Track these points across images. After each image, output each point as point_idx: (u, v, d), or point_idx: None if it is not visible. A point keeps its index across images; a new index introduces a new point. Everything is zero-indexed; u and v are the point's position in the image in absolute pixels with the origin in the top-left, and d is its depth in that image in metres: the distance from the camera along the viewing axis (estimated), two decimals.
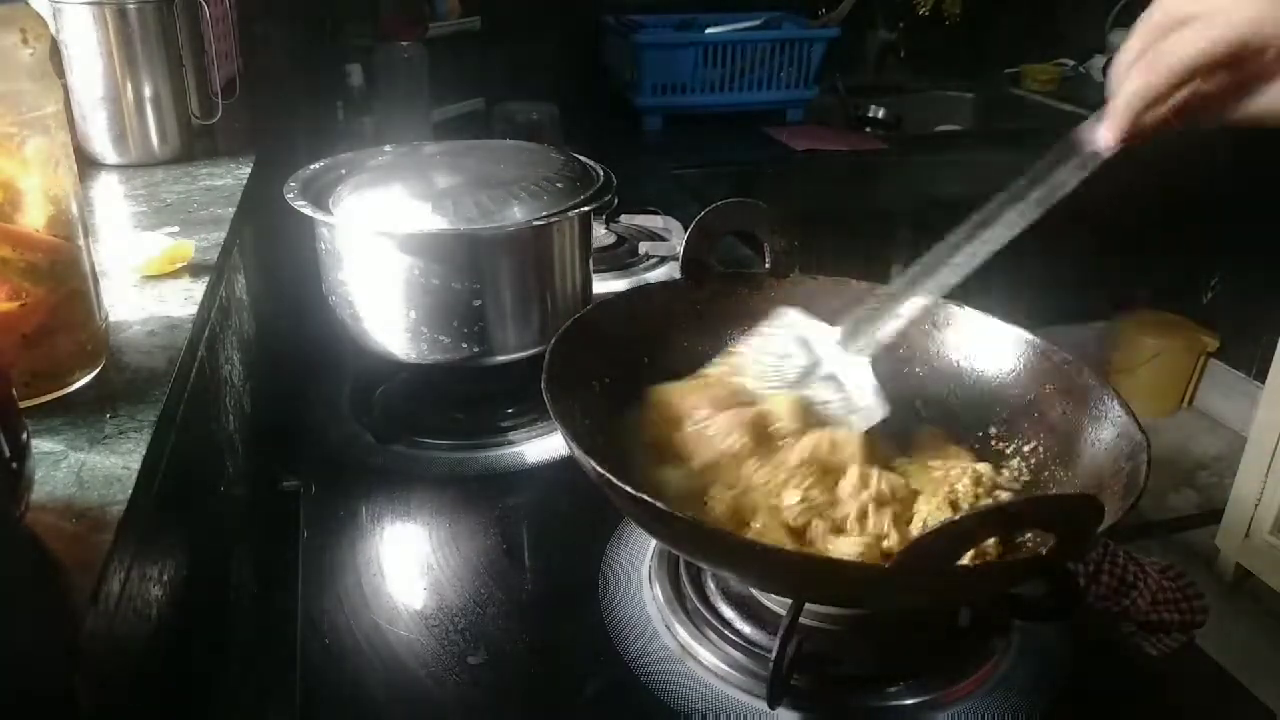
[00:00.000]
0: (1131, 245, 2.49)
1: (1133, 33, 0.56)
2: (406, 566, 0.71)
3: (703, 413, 0.67)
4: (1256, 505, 1.93)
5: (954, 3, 2.38)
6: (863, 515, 0.61)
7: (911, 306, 0.68)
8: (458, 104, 1.91)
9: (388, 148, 0.95)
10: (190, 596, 0.64)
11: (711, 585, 0.66)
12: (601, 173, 0.92)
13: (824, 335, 0.71)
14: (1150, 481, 0.54)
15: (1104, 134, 0.58)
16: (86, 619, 0.42)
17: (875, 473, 0.63)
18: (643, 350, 0.75)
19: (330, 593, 0.68)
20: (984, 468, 0.67)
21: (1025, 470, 0.68)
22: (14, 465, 0.45)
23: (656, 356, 0.75)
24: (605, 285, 1.11)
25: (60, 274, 0.57)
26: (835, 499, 0.62)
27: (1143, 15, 0.56)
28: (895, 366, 0.76)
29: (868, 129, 2.14)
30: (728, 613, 0.64)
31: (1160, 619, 0.70)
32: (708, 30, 2.04)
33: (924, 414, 0.74)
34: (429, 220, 0.79)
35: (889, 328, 0.69)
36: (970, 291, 0.76)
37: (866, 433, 0.67)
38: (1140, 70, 0.55)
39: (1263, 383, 1.96)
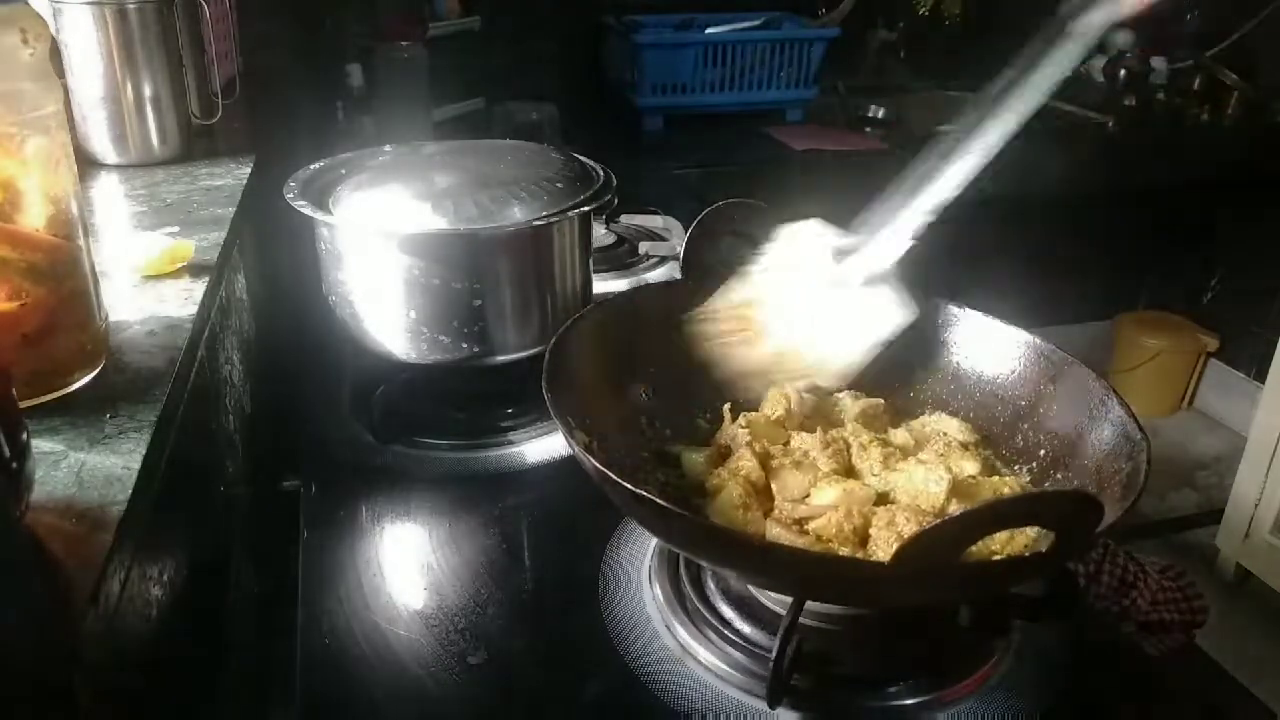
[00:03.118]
0: (1131, 245, 2.49)
1: None
2: (406, 566, 0.71)
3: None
4: (1256, 505, 1.93)
5: (954, 3, 2.38)
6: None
7: (913, 224, 0.67)
8: (458, 104, 1.91)
9: (388, 148, 0.95)
10: (190, 596, 0.64)
11: (711, 585, 0.66)
12: (601, 173, 0.92)
13: (842, 246, 0.71)
14: (1150, 481, 0.54)
15: None
16: (86, 619, 0.42)
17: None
18: (643, 350, 0.75)
19: (330, 593, 0.68)
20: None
21: (1026, 470, 0.68)
22: (14, 465, 0.45)
23: (656, 357, 0.76)
24: (605, 285, 1.11)
25: (60, 274, 0.57)
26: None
27: None
28: (895, 366, 0.77)
29: (867, 129, 2.14)
30: (728, 613, 0.64)
31: (1160, 619, 0.71)
32: (708, 30, 2.04)
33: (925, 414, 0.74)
34: (429, 220, 0.79)
35: (896, 245, 0.68)
36: (970, 292, 0.76)
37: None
38: None
39: (1263, 383, 1.96)
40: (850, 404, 0.73)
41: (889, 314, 0.70)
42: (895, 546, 0.59)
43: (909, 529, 0.60)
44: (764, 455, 0.68)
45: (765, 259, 0.75)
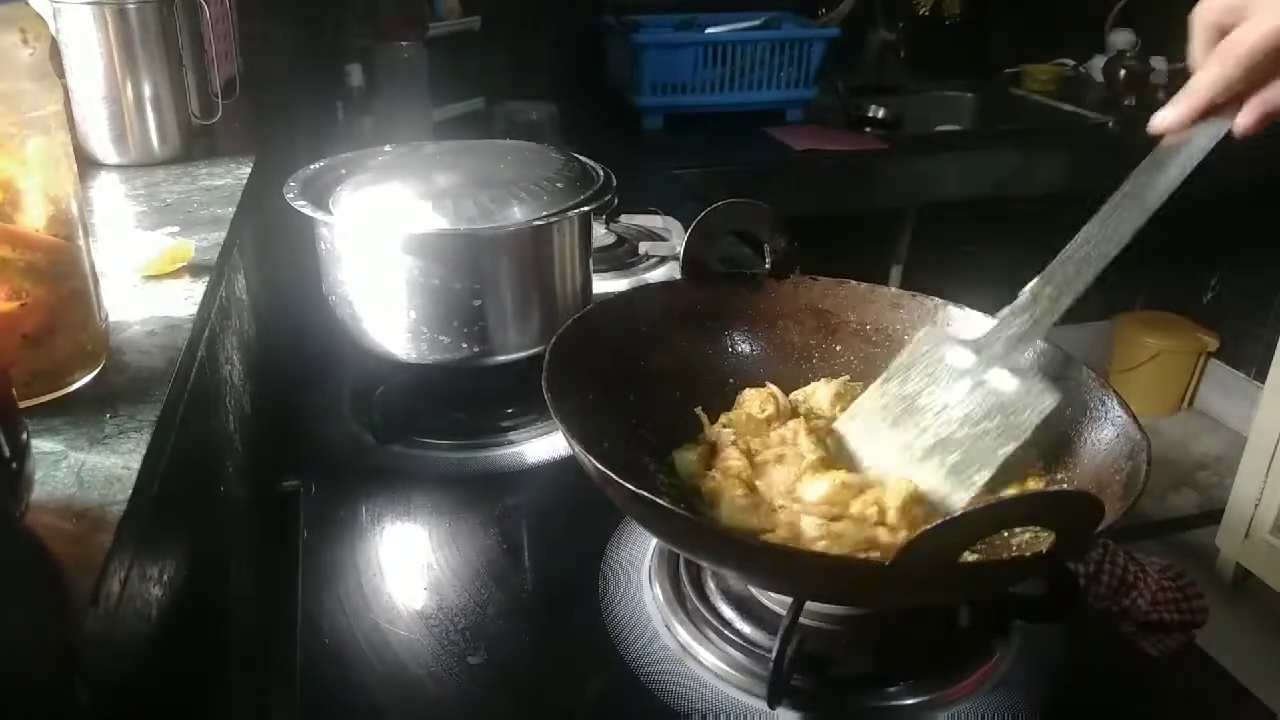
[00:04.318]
0: (1131, 245, 2.49)
1: (1191, 31, 0.59)
2: (406, 566, 0.71)
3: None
4: (1256, 505, 1.93)
5: (954, 3, 2.38)
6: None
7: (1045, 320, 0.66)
8: (458, 104, 1.91)
9: (388, 147, 0.95)
10: (190, 596, 0.64)
11: (711, 585, 0.66)
12: (601, 173, 0.92)
13: (962, 348, 0.68)
14: (1150, 481, 0.54)
15: (1170, 114, 0.61)
16: (86, 619, 0.42)
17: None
18: (643, 350, 0.75)
19: (330, 593, 0.68)
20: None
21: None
22: (14, 465, 0.45)
23: (656, 357, 0.75)
24: (605, 285, 1.11)
25: (60, 274, 0.57)
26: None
27: (1195, 12, 0.59)
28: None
29: (868, 129, 2.14)
30: (728, 613, 0.64)
31: (1160, 619, 0.70)
32: (708, 30, 2.04)
33: None
34: (429, 220, 0.79)
35: (1029, 337, 0.66)
36: (970, 291, 0.76)
37: None
38: (1213, 60, 0.57)
39: (1263, 383, 1.96)
40: (824, 388, 0.74)
41: (1035, 400, 0.64)
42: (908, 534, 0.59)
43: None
44: (748, 452, 0.68)
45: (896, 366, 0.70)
